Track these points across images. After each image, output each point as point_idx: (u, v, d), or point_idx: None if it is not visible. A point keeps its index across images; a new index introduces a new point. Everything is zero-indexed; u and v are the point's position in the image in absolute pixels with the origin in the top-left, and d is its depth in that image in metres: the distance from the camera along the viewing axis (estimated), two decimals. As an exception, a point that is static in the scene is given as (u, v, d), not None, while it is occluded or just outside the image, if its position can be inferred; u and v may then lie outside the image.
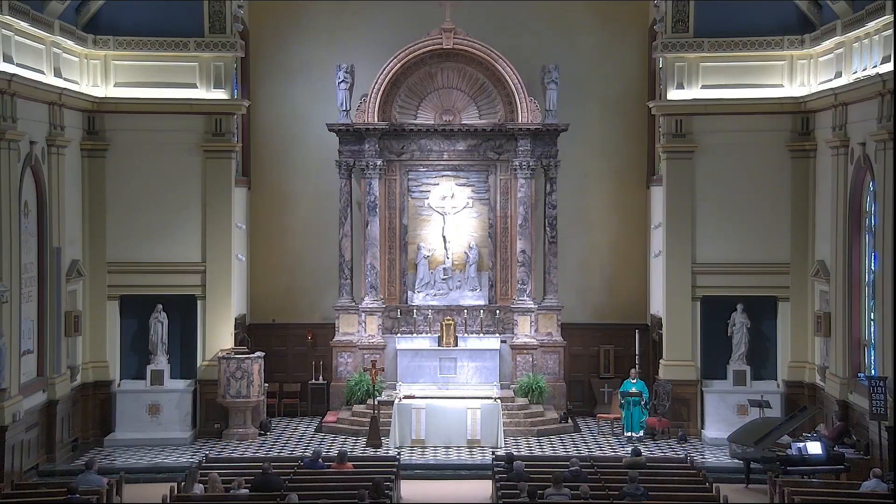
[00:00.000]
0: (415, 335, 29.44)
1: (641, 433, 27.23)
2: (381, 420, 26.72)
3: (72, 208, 26.33)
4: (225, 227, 27.68)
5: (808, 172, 27.15)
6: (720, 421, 27.11)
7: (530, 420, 27.77)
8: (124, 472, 22.21)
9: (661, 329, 28.15)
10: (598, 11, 30.64)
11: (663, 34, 27.59)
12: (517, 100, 28.99)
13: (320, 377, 29.99)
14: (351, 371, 29.01)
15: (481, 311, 29.72)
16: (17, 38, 23.27)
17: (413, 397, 27.08)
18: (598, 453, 25.53)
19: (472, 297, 29.90)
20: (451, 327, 29.09)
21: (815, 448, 22.46)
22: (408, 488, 22.76)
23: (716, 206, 27.62)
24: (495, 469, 21.77)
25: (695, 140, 27.65)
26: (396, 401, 26.87)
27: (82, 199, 27.06)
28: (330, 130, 29.40)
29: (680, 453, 25.38)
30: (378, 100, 29.07)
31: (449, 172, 29.95)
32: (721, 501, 19.25)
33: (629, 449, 24.04)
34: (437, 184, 29.98)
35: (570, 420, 28.25)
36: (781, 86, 27.35)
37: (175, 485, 20.35)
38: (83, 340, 26.83)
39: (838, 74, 25.13)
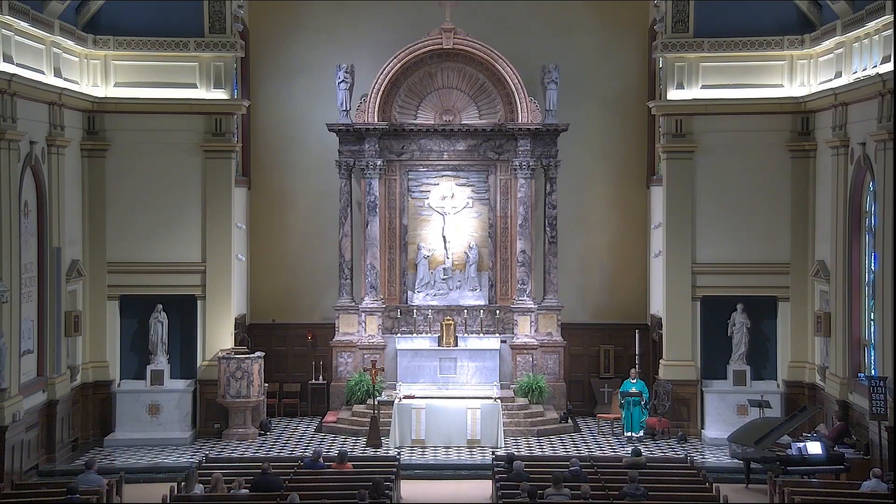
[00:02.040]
0: (415, 335, 29.44)
1: (641, 433, 27.23)
2: (381, 420, 26.72)
3: (72, 208, 26.33)
4: (225, 227, 27.68)
5: (808, 172, 27.15)
6: (720, 421, 27.11)
7: (530, 420, 27.77)
8: (124, 472, 22.22)
9: (661, 329, 28.15)
10: (598, 11, 30.64)
11: (663, 34, 27.59)
12: (517, 100, 28.99)
13: (320, 377, 29.99)
14: (351, 371, 29.02)
15: (481, 311, 29.72)
16: (17, 38, 23.27)
17: (413, 397, 27.08)
18: (598, 453, 25.52)
19: (472, 297, 29.90)
20: (451, 327, 29.09)
21: (815, 448, 22.45)
22: (408, 488, 22.76)
23: (716, 206, 27.62)
24: (495, 469, 21.76)
25: (695, 140, 27.66)
26: (396, 401, 26.87)
27: (82, 199, 27.07)
28: (330, 130, 29.40)
29: (680, 453, 25.39)
30: (378, 100, 29.08)
31: (449, 172, 29.95)
32: (721, 501, 19.26)
33: (629, 449, 24.05)
34: (437, 184, 29.98)
35: (570, 420, 28.24)
36: (781, 86, 27.35)
37: (175, 485, 20.36)
38: (83, 340, 26.83)
39: (838, 74, 25.14)
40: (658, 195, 28.92)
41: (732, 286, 27.50)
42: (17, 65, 23.07)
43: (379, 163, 29.23)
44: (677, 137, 27.72)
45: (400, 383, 28.47)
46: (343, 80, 29.24)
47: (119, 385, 27.41)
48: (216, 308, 27.61)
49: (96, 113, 27.21)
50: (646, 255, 30.49)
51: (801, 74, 27.22)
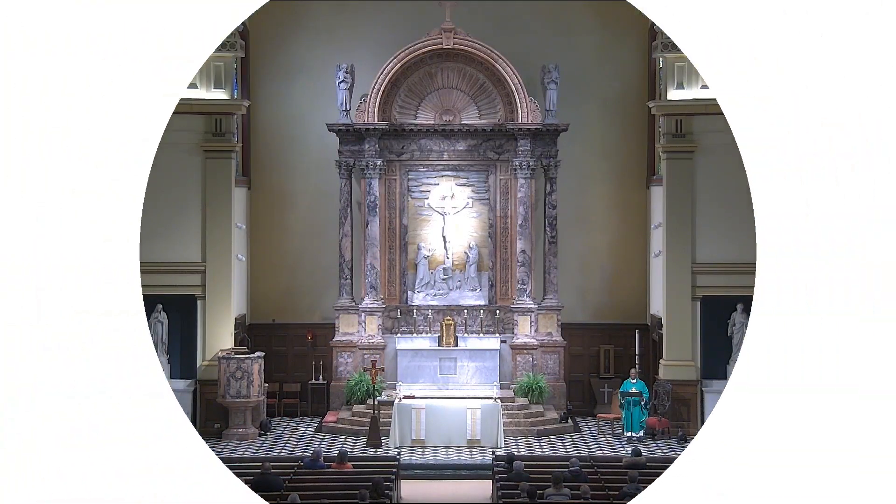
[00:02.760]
0: (415, 335, 29.45)
1: (641, 433, 27.23)
2: (381, 420, 26.72)
3: (72, 208, 26.30)
4: (225, 227, 27.69)
5: (808, 172, 27.13)
6: (720, 421, 27.09)
7: (530, 420, 27.77)
8: (124, 472, 22.20)
9: (661, 329, 28.15)
10: (598, 11, 30.65)
11: (663, 34, 27.59)
12: (517, 100, 29.00)
13: (320, 377, 29.99)
14: (351, 371, 29.02)
15: (481, 311, 29.73)
16: (17, 38, 23.25)
17: (413, 397, 27.07)
18: (598, 453, 25.51)
19: (472, 297, 29.91)
20: (451, 327, 29.09)
21: (815, 448, 22.43)
22: (408, 488, 22.75)
23: (716, 206, 27.63)
24: (495, 469, 21.75)
25: (695, 140, 27.66)
26: (396, 401, 26.87)
27: (82, 199, 27.03)
28: (330, 130, 29.40)
29: (680, 453, 25.36)
30: (378, 100, 29.08)
31: (449, 172, 29.96)
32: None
33: (629, 449, 24.05)
34: (437, 184, 29.99)
35: (570, 420, 28.24)
36: (781, 86, 27.33)
37: (175, 485, 20.35)
38: (83, 340, 26.80)
39: (838, 74, 25.11)
40: (658, 195, 28.92)
41: (732, 286, 27.46)
42: (17, 65, 23.05)
43: (379, 163, 29.24)
44: (677, 137, 27.73)
45: (400, 383, 28.48)
46: (343, 80, 29.24)
47: (119, 385, 27.39)
48: (216, 308, 27.61)
49: (96, 113, 27.18)
50: (646, 255, 30.50)
51: (801, 74, 27.19)
